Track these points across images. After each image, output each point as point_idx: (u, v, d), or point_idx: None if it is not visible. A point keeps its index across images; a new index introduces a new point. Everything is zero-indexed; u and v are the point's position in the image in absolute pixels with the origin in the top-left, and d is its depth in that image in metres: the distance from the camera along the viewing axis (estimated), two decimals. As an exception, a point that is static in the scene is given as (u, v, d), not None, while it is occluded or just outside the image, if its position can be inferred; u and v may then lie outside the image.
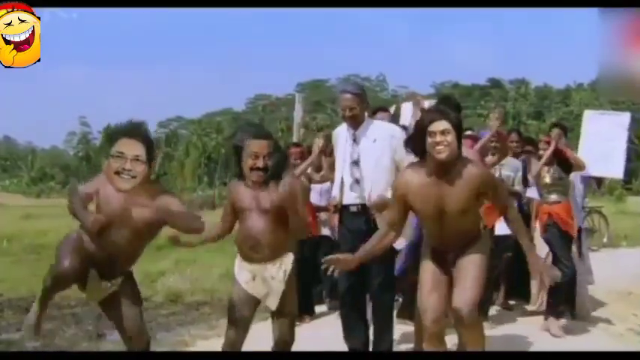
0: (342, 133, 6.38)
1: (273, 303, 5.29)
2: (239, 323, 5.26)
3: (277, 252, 5.23)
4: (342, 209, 6.24)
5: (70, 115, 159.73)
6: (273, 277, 5.24)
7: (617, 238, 18.25)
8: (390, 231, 5.06)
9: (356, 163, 6.11)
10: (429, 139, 4.75)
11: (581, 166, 8.39)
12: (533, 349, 7.05)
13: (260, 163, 5.08)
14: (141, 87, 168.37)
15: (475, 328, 4.94)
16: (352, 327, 6.29)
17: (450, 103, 6.14)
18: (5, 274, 13.10)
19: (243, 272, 5.28)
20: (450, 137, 4.70)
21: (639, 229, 19.83)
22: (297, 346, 5.87)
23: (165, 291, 11.23)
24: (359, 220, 6.07)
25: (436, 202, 4.81)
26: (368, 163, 6.08)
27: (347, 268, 5.17)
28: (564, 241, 7.98)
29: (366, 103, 6.27)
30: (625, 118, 10.57)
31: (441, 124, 4.72)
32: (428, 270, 5.10)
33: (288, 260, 5.28)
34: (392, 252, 6.07)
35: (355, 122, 6.18)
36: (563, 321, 7.95)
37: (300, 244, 8.44)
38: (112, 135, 4.96)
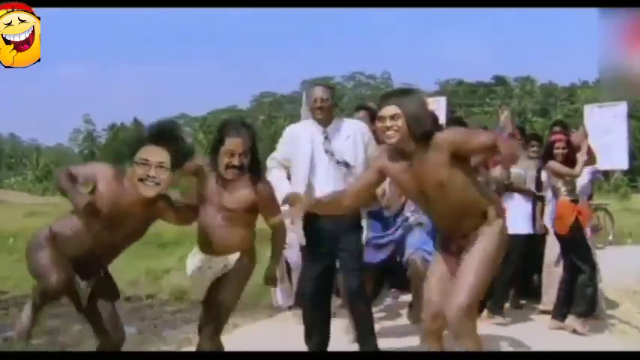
0: (303, 130, 6.28)
1: (198, 293, 5.34)
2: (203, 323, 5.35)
3: (226, 249, 5.27)
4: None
5: (75, 113, 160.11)
6: (210, 267, 5.29)
7: (622, 235, 18.19)
8: (347, 196, 5.00)
9: (337, 160, 6.05)
10: (379, 124, 4.71)
11: (594, 160, 8.30)
12: (541, 348, 7.03)
13: (235, 161, 5.11)
14: (146, 84, 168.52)
15: (464, 336, 4.68)
16: (315, 328, 6.21)
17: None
18: (10, 272, 13.13)
19: (195, 260, 5.36)
20: (400, 122, 4.61)
21: (644, 227, 19.78)
22: (298, 346, 5.89)
23: (171, 288, 11.26)
24: (334, 217, 5.80)
25: (414, 181, 4.74)
26: (346, 159, 6.05)
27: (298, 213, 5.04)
28: (586, 241, 7.98)
29: (334, 101, 6.24)
30: (622, 108, 10.56)
31: (391, 109, 4.65)
32: (436, 262, 5.00)
33: (232, 258, 5.30)
34: (360, 256, 6.10)
35: (326, 116, 6.14)
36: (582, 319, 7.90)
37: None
38: (139, 140, 4.94)
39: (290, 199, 5.25)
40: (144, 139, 4.91)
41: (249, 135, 5.21)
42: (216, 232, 5.21)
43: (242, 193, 5.20)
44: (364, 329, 6.20)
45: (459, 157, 4.64)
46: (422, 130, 4.63)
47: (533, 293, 9.07)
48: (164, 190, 4.89)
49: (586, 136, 8.03)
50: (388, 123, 4.65)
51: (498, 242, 4.76)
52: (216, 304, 5.27)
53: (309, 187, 6.04)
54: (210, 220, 5.22)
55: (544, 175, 8.55)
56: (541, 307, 8.83)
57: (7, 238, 18.56)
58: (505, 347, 6.87)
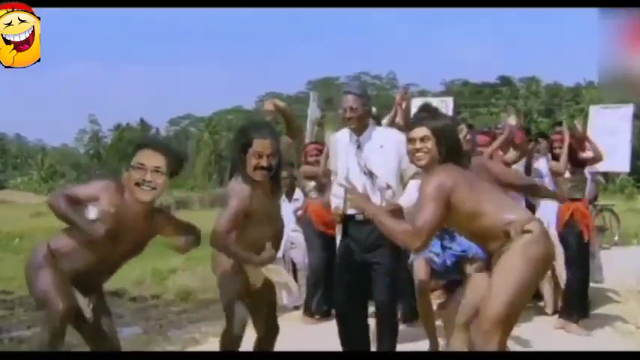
0: (341, 138, 6.15)
1: (284, 297, 5.42)
2: (242, 322, 5.32)
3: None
4: (347, 219, 6.02)
5: (81, 113, 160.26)
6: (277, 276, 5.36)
7: (627, 236, 18.18)
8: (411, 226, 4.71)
9: (363, 171, 5.92)
10: (409, 146, 4.74)
11: (600, 157, 8.29)
12: (545, 348, 7.03)
13: (264, 163, 5.10)
14: (151, 85, 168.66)
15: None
16: (351, 338, 6.09)
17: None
18: (16, 272, 13.07)
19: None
20: (430, 144, 4.65)
21: (650, 228, 19.76)
22: (304, 346, 5.89)
23: (176, 288, 11.27)
24: (365, 230, 5.86)
25: None
26: (377, 170, 5.91)
27: (357, 206, 5.11)
28: (580, 240, 7.95)
29: (369, 106, 6.06)
30: (628, 110, 10.57)
31: (420, 131, 4.68)
32: (481, 274, 4.91)
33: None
34: (393, 271, 6.02)
35: (357, 125, 5.96)
36: (578, 324, 7.87)
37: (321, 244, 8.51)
38: (136, 144, 4.92)
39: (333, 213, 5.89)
40: (140, 143, 4.89)
41: (275, 136, 5.22)
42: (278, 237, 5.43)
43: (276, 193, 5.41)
44: (385, 344, 6.05)
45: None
46: (451, 156, 4.66)
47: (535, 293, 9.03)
48: (160, 195, 4.84)
49: (566, 131, 8.10)
50: (418, 145, 4.68)
51: (523, 259, 4.56)
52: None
53: (346, 197, 5.80)
54: (269, 229, 5.30)
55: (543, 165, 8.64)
56: (546, 309, 8.82)
57: (13, 239, 18.62)
58: (508, 347, 6.86)
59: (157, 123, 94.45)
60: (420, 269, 6.80)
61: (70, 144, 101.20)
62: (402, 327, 7.62)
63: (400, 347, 6.49)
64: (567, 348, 6.83)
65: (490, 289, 4.59)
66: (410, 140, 4.74)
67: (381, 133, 6.11)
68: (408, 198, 5.92)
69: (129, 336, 8.43)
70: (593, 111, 10.95)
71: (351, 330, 6.09)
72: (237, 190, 5.14)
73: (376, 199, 5.77)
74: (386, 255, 5.86)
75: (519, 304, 4.66)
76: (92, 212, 4.71)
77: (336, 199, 6.08)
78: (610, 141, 9.97)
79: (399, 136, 5.94)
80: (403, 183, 6.03)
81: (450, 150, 4.69)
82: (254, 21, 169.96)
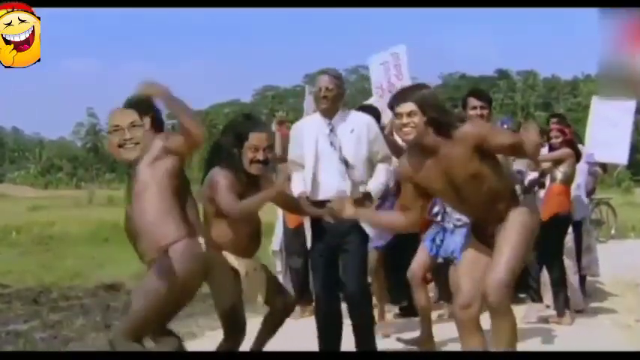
0: (307, 127, 6.07)
1: (255, 297, 5.39)
2: (243, 325, 5.31)
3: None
4: (317, 205, 5.81)
5: (78, 107, 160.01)
6: (255, 270, 5.36)
7: (624, 229, 18.22)
8: (402, 214, 4.96)
9: (338, 154, 5.86)
10: (396, 121, 4.73)
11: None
12: (539, 343, 7.03)
13: (260, 156, 5.13)
14: (148, 78, 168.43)
15: (502, 313, 4.66)
16: (327, 329, 6.03)
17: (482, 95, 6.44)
18: (13, 266, 13.15)
19: (241, 269, 5.30)
20: (417, 118, 4.62)
21: (647, 221, 19.77)
22: (299, 344, 5.87)
23: (173, 282, 11.24)
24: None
25: (442, 176, 4.72)
26: (348, 155, 5.85)
27: (341, 214, 5.04)
28: (545, 229, 7.98)
29: (342, 90, 6.05)
30: (631, 104, 10.54)
31: (407, 106, 4.65)
32: (467, 251, 4.97)
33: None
34: (365, 250, 6.00)
35: (330, 106, 5.92)
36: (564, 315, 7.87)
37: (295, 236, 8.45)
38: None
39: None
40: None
41: (270, 130, 5.27)
42: (258, 234, 5.42)
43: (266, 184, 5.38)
44: (363, 334, 6.01)
45: (483, 149, 4.66)
46: (445, 121, 4.66)
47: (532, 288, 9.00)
48: (145, 149, 4.69)
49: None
50: (405, 120, 4.66)
51: (535, 216, 4.88)
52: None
53: (316, 182, 5.87)
54: (258, 219, 5.41)
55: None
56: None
57: (9, 232, 18.63)
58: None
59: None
60: (417, 258, 6.72)
61: (68, 137, 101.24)
62: (401, 321, 7.67)
63: (400, 345, 6.51)
64: (564, 343, 6.83)
65: (506, 239, 4.68)
66: (397, 115, 4.71)
67: (353, 117, 6.08)
68: (376, 183, 5.97)
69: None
70: (595, 101, 10.92)
71: (326, 316, 6.02)
72: (224, 178, 5.19)
73: (348, 183, 5.79)
74: (357, 242, 5.86)
75: (521, 263, 4.80)
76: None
77: (300, 185, 5.97)
78: (610, 132, 9.97)
79: (369, 120, 6.08)
80: (372, 166, 6.01)
81: (443, 117, 4.69)
82: (250, 14, 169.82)
